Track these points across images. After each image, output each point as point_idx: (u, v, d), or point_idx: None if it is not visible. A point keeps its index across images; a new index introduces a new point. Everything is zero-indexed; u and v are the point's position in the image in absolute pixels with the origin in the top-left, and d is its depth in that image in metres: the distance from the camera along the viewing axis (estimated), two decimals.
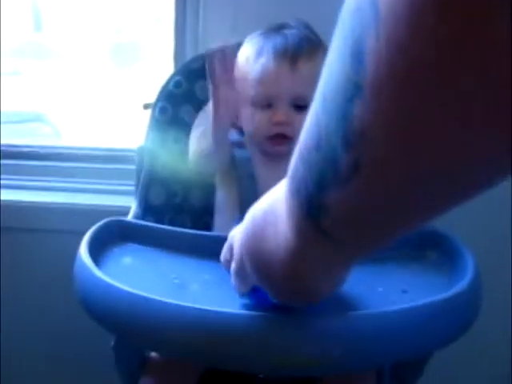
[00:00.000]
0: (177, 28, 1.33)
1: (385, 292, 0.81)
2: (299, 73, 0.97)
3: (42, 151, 1.48)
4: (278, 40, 1.00)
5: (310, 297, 0.60)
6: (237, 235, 0.65)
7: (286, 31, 1.01)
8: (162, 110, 1.11)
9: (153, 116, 1.11)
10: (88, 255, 0.81)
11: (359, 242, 0.46)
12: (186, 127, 1.12)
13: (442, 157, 0.34)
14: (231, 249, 0.68)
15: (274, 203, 0.55)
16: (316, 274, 0.54)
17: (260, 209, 0.59)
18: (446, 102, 0.31)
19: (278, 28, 1.02)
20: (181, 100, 1.12)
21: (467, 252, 0.87)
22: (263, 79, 0.99)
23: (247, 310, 0.76)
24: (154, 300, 0.71)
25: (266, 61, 0.99)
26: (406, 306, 0.70)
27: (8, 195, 1.38)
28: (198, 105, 1.11)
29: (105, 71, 1.78)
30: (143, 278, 0.85)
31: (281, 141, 0.99)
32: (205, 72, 1.11)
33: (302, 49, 0.99)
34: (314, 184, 0.43)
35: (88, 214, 1.25)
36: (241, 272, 0.66)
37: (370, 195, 0.39)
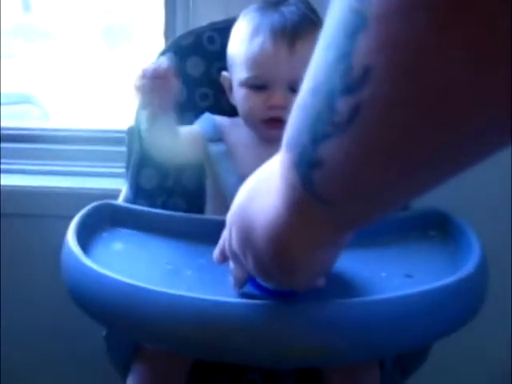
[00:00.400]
0: (167, 4, 1.28)
1: (388, 277, 0.78)
2: (297, 55, 0.92)
3: (31, 134, 1.43)
4: (275, 18, 0.94)
5: (298, 275, 0.56)
6: (229, 216, 0.61)
7: (284, 8, 0.95)
8: None
9: None
10: (75, 241, 0.77)
11: (348, 205, 0.42)
12: (177, 106, 1.07)
13: (454, 97, 0.30)
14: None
15: (267, 172, 0.52)
16: (303, 248, 0.50)
17: (251, 180, 0.56)
18: (463, 27, 0.27)
19: (276, 4, 0.96)
20: None
21: (472, 232, 0.83)
22: (259, 60, 0.93)
23: (245, 296, 0.72)
24: (146, 289, 0.67)
25: (262, 41, 0.93)
26: (410, 291, 0.67)
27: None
28: (189, 82, 1.06)
29: (96, 53, 1.74)
30: (134, 264, 0.82)
31: (276, 125, 0.93)
32: (196, 48, 1.06)
33: (300, 29, 0.93)
34: (309, 134, 0.39)
35: (79, 198, 1.20)
36: (234, 253, 0.62)
37: (368, 146, 0.35)
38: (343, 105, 0.34)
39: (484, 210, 1.22)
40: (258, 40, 0.93)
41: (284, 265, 0.53)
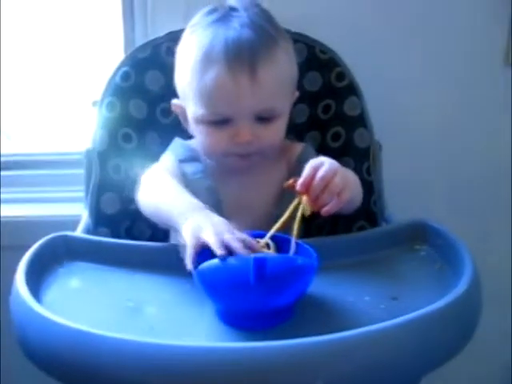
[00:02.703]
0: (124, 15, 1.20)
1: (372, 301, 0.71)
2: (260, 83, 0.79)
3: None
4: (228, 38, 0.80)
5: None
6: None
7: (236, 21, 0.82)
8: (110, 106, 0.99)
9: (100, 113, 0.99)
10: (24, 282, 0.69)
11: None
12: (136, 123, 1.00)
13: None
14: None
15: None
16: None
17: None
18: None
19: (226, 15, 0.83)
20: (130, 93, 0.99)
21: (461, 244, 0.77)
22: (216, 96, 0.81)
23: (215, 334, 0.66)
24: (98, 336, 0.58)
25: (217, 73, 0.80)
26: (396, 321, 0.59)
27: None
28: (149, 97, 0.98)
29: (55, 70, 1.66)
30: (92, 303, 0.74)
31: (245, 158, 0.84)
32: (154, 61, 0.99)
33: (260, 49, 0.80)
34: None
35: (37, 227, 1.11)
36: None
37: None
38: None
39: (486, 210, 1.20)
40: (212, 71, 0.80)
41: None
